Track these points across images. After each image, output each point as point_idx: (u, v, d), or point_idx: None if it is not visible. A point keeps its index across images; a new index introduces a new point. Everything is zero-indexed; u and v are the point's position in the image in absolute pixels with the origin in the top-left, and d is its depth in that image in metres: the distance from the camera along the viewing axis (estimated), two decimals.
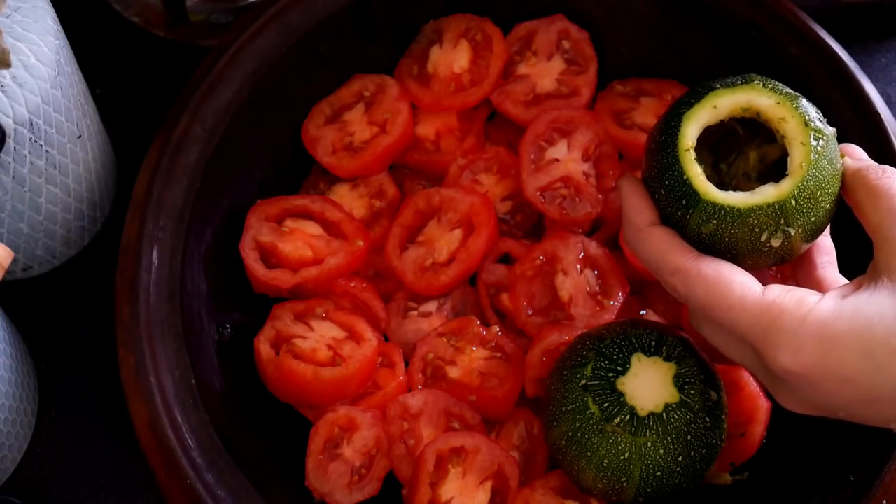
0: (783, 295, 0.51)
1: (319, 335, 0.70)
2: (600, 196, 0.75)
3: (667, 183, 0.55)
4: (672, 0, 0.75)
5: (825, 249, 0.58)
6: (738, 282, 0.52)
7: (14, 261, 0.75)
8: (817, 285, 0.56)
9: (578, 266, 0.73)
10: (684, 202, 0.54)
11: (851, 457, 0.61)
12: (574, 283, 0.72)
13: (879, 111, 0.68)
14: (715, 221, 0.53)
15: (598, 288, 0.73)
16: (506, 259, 0.77)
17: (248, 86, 0.71)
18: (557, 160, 0.75)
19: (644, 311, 0.74)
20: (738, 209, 0.53)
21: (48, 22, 0.67)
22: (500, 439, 0.70)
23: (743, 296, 0.51)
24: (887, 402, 0.49)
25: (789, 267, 0.69)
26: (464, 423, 0.69)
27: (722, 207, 0.53)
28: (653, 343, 0.62)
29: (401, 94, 0.77)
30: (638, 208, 0.56)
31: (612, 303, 0.72)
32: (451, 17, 0.79)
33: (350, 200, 0.77)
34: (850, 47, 0.71)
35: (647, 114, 0.77)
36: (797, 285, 0.54)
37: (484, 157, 0.78)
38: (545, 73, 0.78)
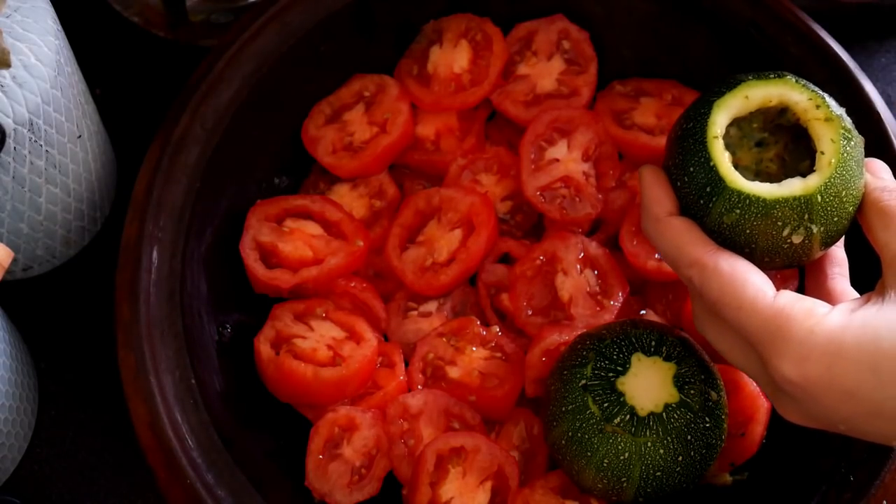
0: (793, 303, 0.50)
1: (319, 335, 0.70)
2: (600, 196, 0.75)
3: (691, 170, 0.54)
4: (672, 0, 0.75)
5: (837, 261, 0.57)
6: (752, 282, 0.51)
7: (14, 261, 0.75)
8: (827, 296, 0.56)
9: (578, 266, 0.73)
10: (708, 189, 0.53)
11: (851, 457, 0.61)
12: (574, 283, 0.72)
13: (879, 111, 0.68)
14: (738, 211, 0.52)
15: (598, 288, 0.73)
16: (506, 259, 0.76)
17: (248, 86, 0.71)
18: (557, 160, 0.75)
19: (644, 311, 0.74)
20: (764, 199, 0.52)
21: (48, 22, 0.67)
22: (500, 439, 0.70)
23: (755, 297, 0.51)
24: (889, 418, 0.49)
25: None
26: (464, 423, 0.69)
27: (747, 197, 0.52)
28: (653, 343, 0.62)
29: (401, 94, 0.77)
30: (657, 198, 0.56)
31: (612, 303, 0.72)
32: (451, 17, 0.79)
33: (350, 200, 0.77)
34: (850, 47, 0.70)
35: (646, 114, 0.77)
36: (807, 294, 0.53)
37: (484, 157, 0.78)
38: (545, 73, 0.78)
